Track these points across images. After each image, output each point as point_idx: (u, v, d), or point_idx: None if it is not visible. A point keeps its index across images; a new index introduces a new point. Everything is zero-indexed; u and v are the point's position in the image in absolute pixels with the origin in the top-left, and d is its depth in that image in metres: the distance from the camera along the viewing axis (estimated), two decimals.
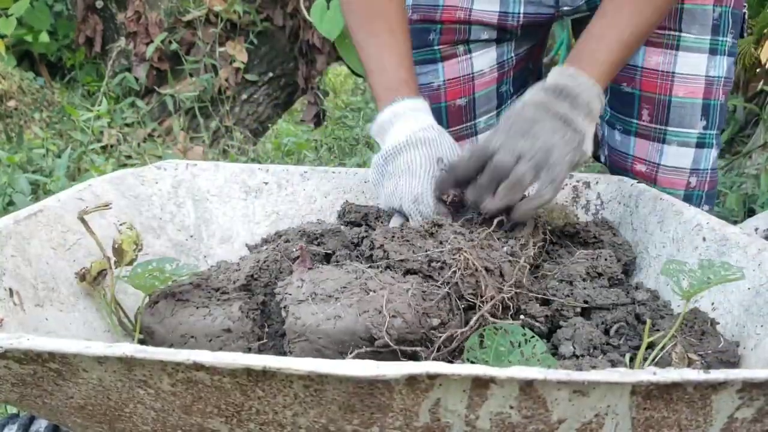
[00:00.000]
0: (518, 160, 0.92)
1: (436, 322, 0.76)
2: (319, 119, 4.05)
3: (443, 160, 1.03)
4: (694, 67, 1.22)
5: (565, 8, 1.27)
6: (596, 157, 1.50)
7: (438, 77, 1.35)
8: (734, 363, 0.77)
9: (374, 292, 0.75)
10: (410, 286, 0.77)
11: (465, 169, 0.97)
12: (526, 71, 1.44)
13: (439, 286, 0.81)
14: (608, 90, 1.31)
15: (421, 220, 0.99)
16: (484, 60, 1.35)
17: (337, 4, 3.00)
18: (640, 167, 1.29)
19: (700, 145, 1.25)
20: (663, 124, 1.25)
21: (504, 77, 1.39)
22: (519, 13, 1.29)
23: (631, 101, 1.28)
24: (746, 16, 1.30)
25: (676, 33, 1.22)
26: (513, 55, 1.37)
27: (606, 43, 1.02)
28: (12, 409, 1.44)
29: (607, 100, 1.32)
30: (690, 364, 0.73)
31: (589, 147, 0.99)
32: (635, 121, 1.28)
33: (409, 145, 1.04)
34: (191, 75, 3.83)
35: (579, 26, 1.35)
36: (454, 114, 1.38)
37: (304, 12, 3.25)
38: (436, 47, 1.34)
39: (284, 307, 0.78)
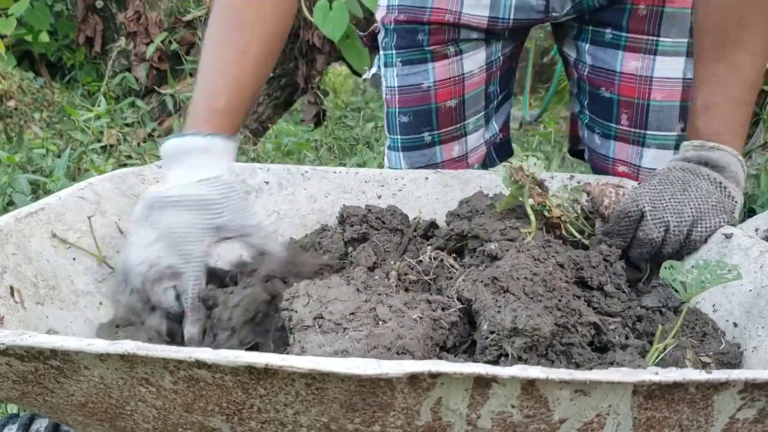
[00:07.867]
0: (665, 233, 0.92)
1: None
2: (319, 119, 4.04)
3: (224, 229, 0.89)
4: (672, 71, 1.22)
5: (554, 14, 1.27)
6: (576, 152, 1.49)
7: (428, 78, 1.34)
8: (735, 364, 0.77)
9: (384, 322, 0.71)
10: (420, 313, 0.73)
11: (617, 234, 0.95)
12: (510, 71, 1.44)
13: (449, 306, 0.78)
14: (587, 93, 1.32)
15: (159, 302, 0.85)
16: (474, 61, 1.35)
17: (341, 4, 2.98)
18: (623, 168, 1.30)
19: (679, 147, 1.26)
20: (642, 128, 1.26)
21: (492, 77, 1.39)
22: (509, 19, 1.28)
23: (610, 106, 1.28)
24: None
25: (655, 38, 1.22)
26: (500, 55, 1.37)
27: (735, 108, 1.00)
28: (12, 409, 1.44)
29: (587, 104, 1.33)
30: (704, 368, 0.72)
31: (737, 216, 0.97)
32: (614, 125, 1.29)
33: (178, 204, 0.86)
34: (191, 75, 3.83)
35: (560, 30, 1.36)
36: (445, 115, 1.37)
37: (305, 12, 3.24)
38: (426, 48, 1.32)
39: (290, 330, 0.74)
